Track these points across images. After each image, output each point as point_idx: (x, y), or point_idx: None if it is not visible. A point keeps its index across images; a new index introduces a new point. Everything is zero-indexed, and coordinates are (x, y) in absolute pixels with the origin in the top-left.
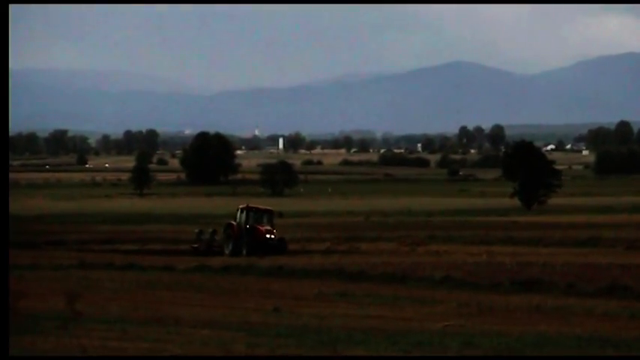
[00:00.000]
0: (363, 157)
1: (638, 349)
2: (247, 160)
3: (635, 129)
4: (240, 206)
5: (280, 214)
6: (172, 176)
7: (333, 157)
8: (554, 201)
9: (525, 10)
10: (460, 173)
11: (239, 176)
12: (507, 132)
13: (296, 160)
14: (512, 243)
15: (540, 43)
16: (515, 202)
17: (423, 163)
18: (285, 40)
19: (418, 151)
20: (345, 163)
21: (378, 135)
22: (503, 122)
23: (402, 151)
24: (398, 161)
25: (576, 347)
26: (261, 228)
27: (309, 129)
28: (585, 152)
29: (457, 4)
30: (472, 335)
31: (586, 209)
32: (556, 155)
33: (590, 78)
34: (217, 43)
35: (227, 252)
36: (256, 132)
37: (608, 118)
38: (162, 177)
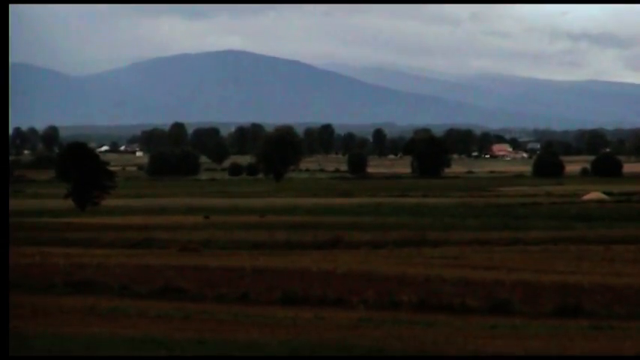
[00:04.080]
0: None
1: (191, 349)
2: None
3: (190, 130)
4: None
5: None
6: None
7: None
8: (109, 202)
9: (77, 11)
10: (14, 174)
11: None
12: (62, 133)
13: None
14: (65, 244)
15: (94, 45)
16: (70, 203)
17: None
18: None
19: None
20: None
21: None
22: (57, 123)
23: None
24: None
25: (130, 348)
26: None
27: None
28: (139, 153)
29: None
30: (29, 337)
31: (140, 211)
32: (110, 156)
33: (144, 80)
34: None
35: None
36: None
37: (162, 119)
38: None
